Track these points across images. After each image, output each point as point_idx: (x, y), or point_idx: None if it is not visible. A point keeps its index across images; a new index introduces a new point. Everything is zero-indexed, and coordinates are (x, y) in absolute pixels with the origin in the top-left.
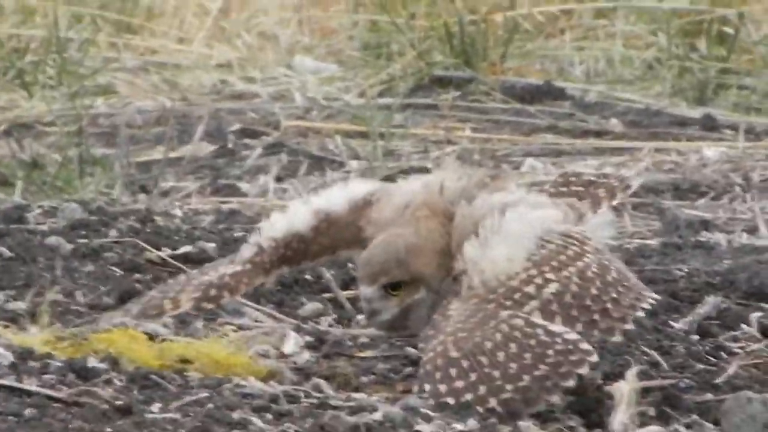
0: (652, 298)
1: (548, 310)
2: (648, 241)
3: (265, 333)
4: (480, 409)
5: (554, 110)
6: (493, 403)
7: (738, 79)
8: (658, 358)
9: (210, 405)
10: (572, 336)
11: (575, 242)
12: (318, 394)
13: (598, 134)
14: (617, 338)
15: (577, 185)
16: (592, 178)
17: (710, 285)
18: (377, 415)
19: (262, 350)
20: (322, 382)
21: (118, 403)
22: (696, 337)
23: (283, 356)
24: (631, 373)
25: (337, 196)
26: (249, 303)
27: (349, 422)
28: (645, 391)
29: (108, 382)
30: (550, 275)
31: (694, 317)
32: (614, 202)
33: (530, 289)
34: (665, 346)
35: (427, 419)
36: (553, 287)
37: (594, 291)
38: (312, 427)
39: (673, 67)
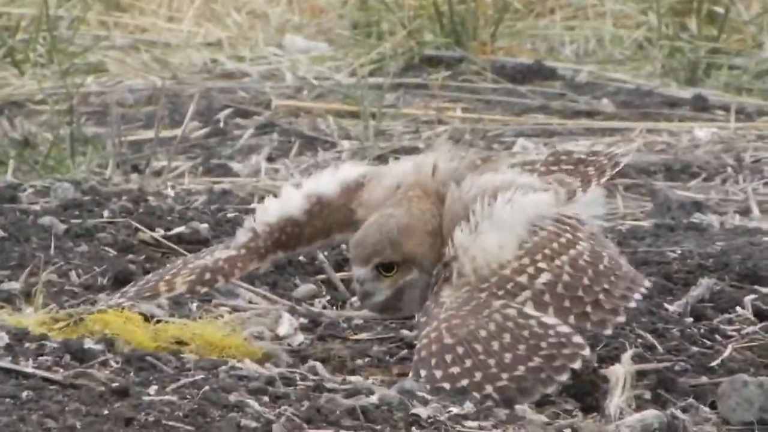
0: (645, 286)
1: (541, 300)
2: (640, 223)
3: (260, 315)
4: (476, 394)
5: (545, 90)
6: (489, 389)
7: (729, 59)
8: (653, 341)
9: (206, 387)
10: (565, 329)
11: (568, 228)
12: (314, 377)
13: (590, 114)
14: (609, 331)
15: (568, 164)
16: (582, 156)
17: (704, 267)
18: (373, 398)
19: (256, 332)
20: (317, 365)
21: (115, 385)
22: (690, 320)
23: (277, 338)
24: (627, 356)
25: (328, 179)
26: (243, 284)
27: (346, 405)
28: (640, 375)
29: (104, 363)
30: (542, 264)
31: (688, 300)
32: (603, 180)
33: (522, 278)
34: (660, 329)
35: (424, 402)
36: (545, 277)
37: (586, 281)
38: (308, 410)
39: (664, 47)
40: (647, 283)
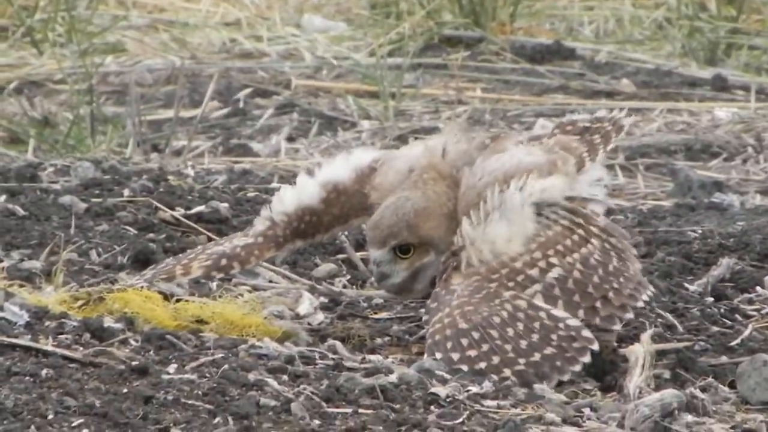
0: (650, 290)
1: (551, 294)
2: (661, 202)
3: (280, 294)
4: (495, 377)
5: (564, 70)
6: (507, 372)
7: (748, 39)
8: (673, 320)
9: (226, 366)
10: (574, 322)
11: (581, 222)
12: (333, 356)
13: (609, 95)
14: (617, 327)
15: (574, 133)
16: (587, 124)
17: (724, 247)
18: (393, 377)
19: (276, 311)
20: (337, 344)
21: (135, 363)
22: (710, 300)
23: (297, 317)
24: (646, 335)
25: (342, 166)
26: (263, 263)
27: (365, 384)
28: (660, 354)
29: (124, 342)
30: (553, 260)
31: (709, 279)
32: (609, 147)
33: (534, 272)
34: (680, 309)
35: (443, 381)
36: (556, 272)
37: (596, 279)
38: (327, 388)
39: (683, 26)
40: (651, 288)
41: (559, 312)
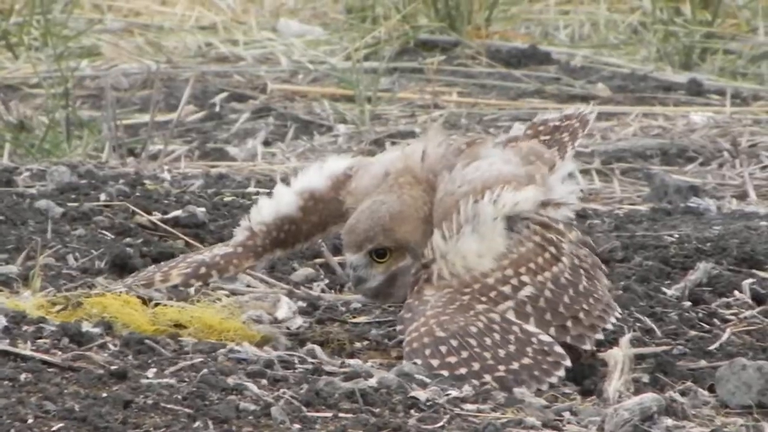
0: (618, 312)
1: (523, 311)
2: (637, 207)
3: (258, 298)
4: (476, 382)
5: (540, 74)
6: (487, 378)
7: (723, 44)
8: (652, 324)
9: (205, 370)
10: (546, 338)
11: (552, 239)
12: (312, 360)
13: (584, 99)
14: (588, 347)
15: (545, 134)
16: (557, 123)
17: (701, 251)
18: (372, 381)
19: (255, 315)
20: (316, 348)
21: (114, 368)
22: (688, 304)
23: (276, 321)
24: (625, 340)
25: (317, 174)
26: None
27: (345, 388)
28: (639, 358)
29: (102, 346)
30: (525, 278)
31: (686, 284)
32: (577, 142)
33: (506, 289)
34: (658, 313)
35: (422, 385)
36: (528, 290)
37: (566, 299)
38: (307, 393)
39: (658, 31)
40: (619, 310)
41: (531, 327)
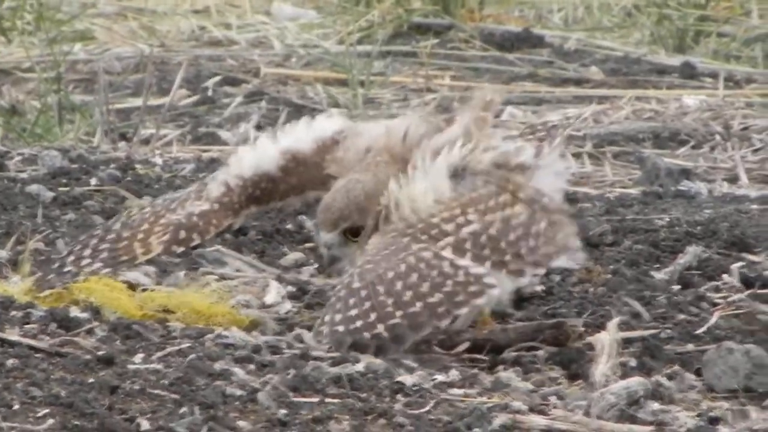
0: (579, 259)
1: (461, 247)
2: (628, 190)
3: (247, 283)
4: (368, 335)
5: (533, 58)
6: (380, 329)
7: (717, 27)
8: (640, 308)
9: (192, 355)
10: (479, 270)
11: (508, 188)
12: (300, 345)
13: (578, 82)
14: (525, 280)
15: (542, 131)
16: (555, 123)
17: (691, 235)
18: (359, 366)
19: (243, 300)
20: (304, 333)
21: (101, 353)
22: (677, 288)
23: (264, 306)
24: (613, 323)
25: (304, 135)
26: (230, 252)
27: (332, 373)
28: (626, 342)
29: (90, 332)
30: (472, 217)
31: (676, 267)
32: (567, 131)
33: (449, 227)
34: (646, 297)
35: (410, 370)
36: (471, 228)
37: (512, 237)
38: (294, 378)
39: (652, 14)
40: (582, 256)
41: (464, 261)
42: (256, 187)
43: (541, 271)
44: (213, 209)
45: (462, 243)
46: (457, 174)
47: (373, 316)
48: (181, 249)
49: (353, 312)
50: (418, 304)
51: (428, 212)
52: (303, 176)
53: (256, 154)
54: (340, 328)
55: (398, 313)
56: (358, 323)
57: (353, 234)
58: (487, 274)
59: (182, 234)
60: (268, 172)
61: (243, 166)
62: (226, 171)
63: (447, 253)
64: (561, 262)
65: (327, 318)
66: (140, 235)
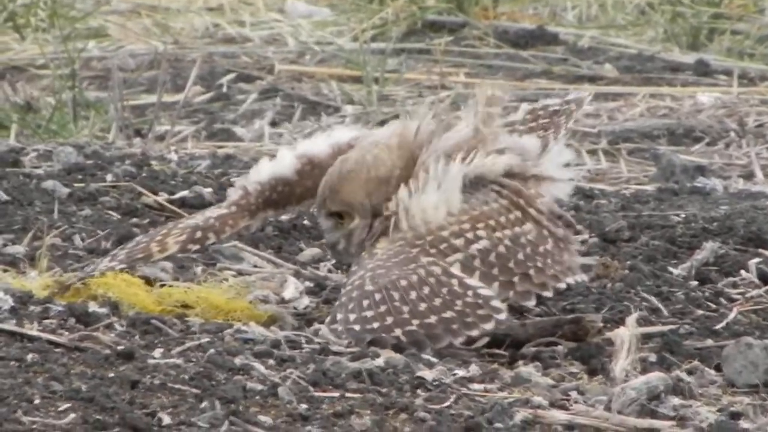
0: (582, 278)
1: (471, 265)
2: (644, 187)
3: (265, 278)
4: (384, 335)
5: (548, 55)
6: (398, 332)
7: (731, 24)
8: (658, 304)
9: (212, 350)
10: (486, 292)
11: (520, 204)
12: (319, 340)
13: (592, 79)
14: (531, 303)
15: (545, 118)
16: (557, 108)
17: (708, 231)
18: (379, 361)
19: (262, 295)
20: (323, 328)
21: (120, 348)
22: (695, 283)
23: (283, 302)
24: (632, 319)
25: (321, 141)
26: (248, 248)
27: (352, 368)
28: (645, 338)
29: (109, 327)
30: (482, 233)
31: (693, 263)
32: (570, 123)
33: (458, 242)
34: (665, 292)
35: (429, 365)
36: (481, 244)
37: (521, 256)
38: (314, 373)
39: (666, 11)
40: (584, 276)
41: (472, 281)
42: (273, 191)
43: (548, 293)
44: (230, 211)
45: (471, 260)
46: (471, 185)
47: (390, 320)
48: (197, 247)
49: (369, 313)
50: (433, 318)
51: (438, 224)
52: (319, 179)
53: (274, 162)
54: (356, 327)
55: (415, 322)
56: (375, 324)
57: (340, 216)
58: (494, 297)
59: (198, 234)
60: (284, 176)
61: (261, 173)
62: (245, 178)
63: (456, 270)
64: (568, 281)
65: (340, 317)
66: (158, 237)
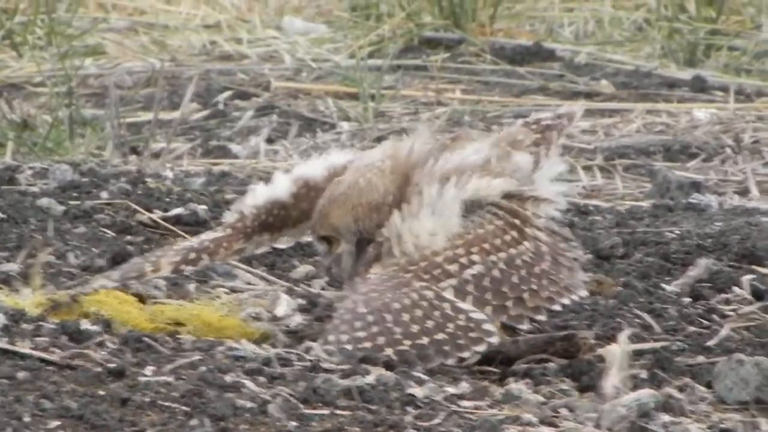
0: (580, 294)
1: (463, 290)
2: (639, 203)
3: (258, 295)
4: (377, 354)
5: (544, 71)
6: (389, 352)
7: (728, 41)
8: (650, 320)
9: (203, 368)
10: (478, 316)
11: (516, 225)
12: (311, 357)
13: (588, 95)
14: (525, 326)
15: (537, 132)
16: (549, 122)
17: (702, 247)
18: (370, 379)
19: (254, 313)
20: (314, 345)
21: (112, 365)
22: (688, 300)
23: (275, 319)
24: (623, 335)
25: (316, 164)
26: (241, 265)
27: (342, 385)
28: (637, 354)
29: (101, 344)
30: (476, 257)
31: (686, 279)
32: (561, 137)
33: (452, 267)
34: (657, 309)
35: (420, 382)
36: (475, 269)
37: (515, 279)
38: (305, 390)
39: (663, 28)
40: (584, 293)
41: (465, 305)
42: (269, 214)
43: (542, 317)
44: (225, 234)
45: (464, 285)
46: (467, 209)
47: (381, 340)
48: (190, 268)
49: (361, 334)
50: (425, 339)
51: (432, 250)
52: (314, 201)
53: (269, 186)
54: (348, 347)
55: (407, 342)
56: (367, 344)
57: (329, 242)
58: (486, 321)
59: (192, 255)
60: (279, 199)
61: (257, 197)
62: (241, 202)
63: (449, 295)
64: (563, 302)
65: (331, 338)
66: (153, 259)
